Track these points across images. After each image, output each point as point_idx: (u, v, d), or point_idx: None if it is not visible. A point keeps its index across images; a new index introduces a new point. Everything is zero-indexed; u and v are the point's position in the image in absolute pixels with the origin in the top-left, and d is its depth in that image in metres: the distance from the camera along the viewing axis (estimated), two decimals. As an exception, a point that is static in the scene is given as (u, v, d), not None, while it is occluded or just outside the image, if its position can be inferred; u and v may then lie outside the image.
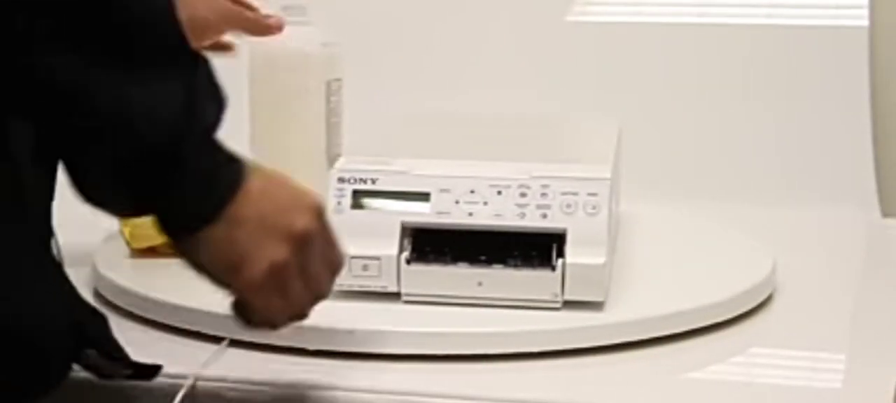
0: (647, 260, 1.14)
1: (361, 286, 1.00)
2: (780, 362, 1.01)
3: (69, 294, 0.88)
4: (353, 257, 0.99)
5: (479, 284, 0.99)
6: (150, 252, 1.16)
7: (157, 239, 1.15)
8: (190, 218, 0.81)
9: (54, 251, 0.88)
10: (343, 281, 0.99)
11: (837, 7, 1.50)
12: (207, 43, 1.13)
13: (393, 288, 1.00)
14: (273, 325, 0.86)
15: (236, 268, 0.82)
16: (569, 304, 0.99)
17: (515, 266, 0.99)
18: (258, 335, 0.95)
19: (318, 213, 0.85)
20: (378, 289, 1.00)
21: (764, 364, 1.02)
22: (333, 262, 0.86)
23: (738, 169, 1.49)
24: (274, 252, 0.82)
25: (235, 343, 0.96)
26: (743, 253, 1.16)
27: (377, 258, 0.99)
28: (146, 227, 1.15)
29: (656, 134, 1.47)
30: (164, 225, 0.82)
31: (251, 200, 0.81)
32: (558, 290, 0.98)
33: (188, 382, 0.91)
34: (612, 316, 0.98)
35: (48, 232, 0.86)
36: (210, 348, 0.96)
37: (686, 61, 1.53)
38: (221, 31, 1.16)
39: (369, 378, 0.92)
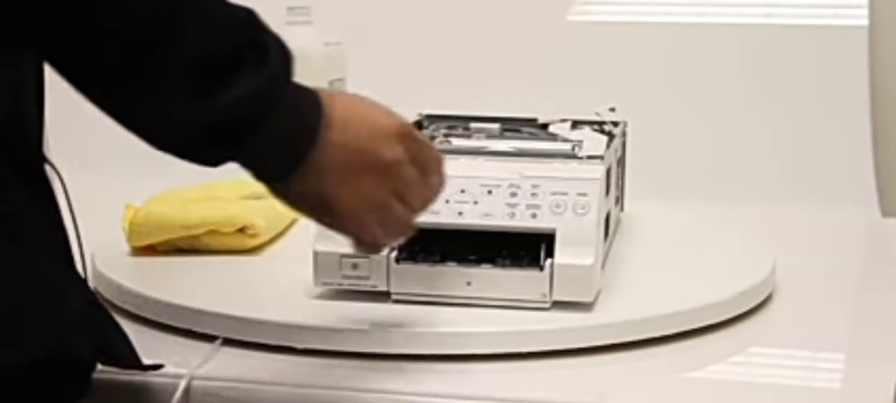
0: (647, 260, 1.14)
1: (351, 285, 1.00)
2: (779, 362, 1.01)
3: (90, 299, 0.88)
4: (343, 256, 0.99)
5: (468, 284, 0.99)
6: (150, 249, 1.16)
7: (156, 236, 1.15)
8: (272, 173, 0.84)
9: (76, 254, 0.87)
10: (332, 279, 1.00)
11: (837, 6, 1.50)
12: None
13: (382, 287, 1.00)
14: (381, 246, 0.91)
15: (328, 210, 0.85)
16: (558, 304, 0.98)
17: (504, 265, 0.99)
18: (251, 333, 0.96)
19: (403, 137, 0.87)
20: (368, 288, 1.00)
21: (763, 363, 1.02)
22: (430, 168, 0.90)
23: (738, 169, 1.49)
24: (364, 189, 0.85)
25: (228, 342, 0.96)
26: (743, 253, 1.16)
27: (367, 257, 0.99)
28: (146, 225, 1.15)
29: (656, 133, 1.47)
30: (254, 175, 0.85)
31: (332, 146, 0.83)
32: (546, 290, 0.98)
33: (183, 382, 0.90)
34: (611, 316, 0.98)
35: (65, 237, 0.85)
36: (203, 346, 0.96)
37: (685, 61, 1.53)
38: None
39: (358, 377, 0.92)
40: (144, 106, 0.77)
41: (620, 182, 1.25)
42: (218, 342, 0.96)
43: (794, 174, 1.48)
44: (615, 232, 1.20)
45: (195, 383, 0.92)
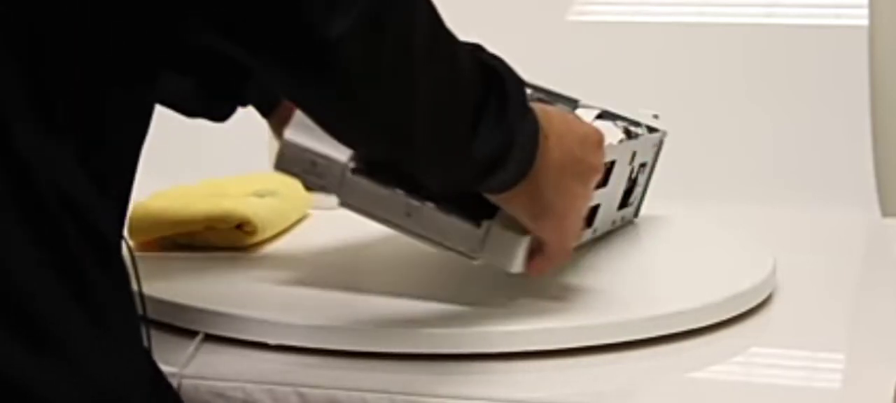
0: (647, 260, 1.14)
1: (305, 181, 1.00)
2: (780, 362, 1.01)
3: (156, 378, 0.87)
4: (306, 150, 0.99)
5: (408, 215, 0.98)
6: (150, 245, 1.16)
7: (155, 232, 1.16)
8: (501, 188, 0.90)
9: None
10: (292, 169, 1.00)
11: (837, 6, 1.50)
12: None
13: (332, 191, 0.99)
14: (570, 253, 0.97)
15: (545, 211, 0.93)
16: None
17: (447, 210, 0.98)
18: (232, 329, 0.96)
19: (601, 144, 0.97)
20: (318, 188, 0.99)
21: (764, 364, 1.02)
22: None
23: (737, 169, 1.49)
24: (573, 192, 0.93)
25: (209, 338, 0.96)
26: (743, 253, 1.16)
27: (326, 158, 0.99)
28: (145, 221, 1.15)
29: (656, 133, 1.48)
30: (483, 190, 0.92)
31: (551, 155, 0.91)
32: (477, 247, 0.97)
33: (174, 381, 0.90)
34: (611, 316, 0.98)
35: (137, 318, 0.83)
36: (181, 342, 0.96)
37: (685, 61, 1.53)
38: None
39: (355, 378, 0.92)
40: (429, 158, 0.86)
41: (637, 188, 1.24)
42: (199, 338, 0.96)
43: (794, 174, 1.48)
44: (612, 231, 1.20)
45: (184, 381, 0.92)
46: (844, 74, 1.49)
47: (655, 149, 1.25)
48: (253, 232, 1.16)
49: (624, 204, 1.23)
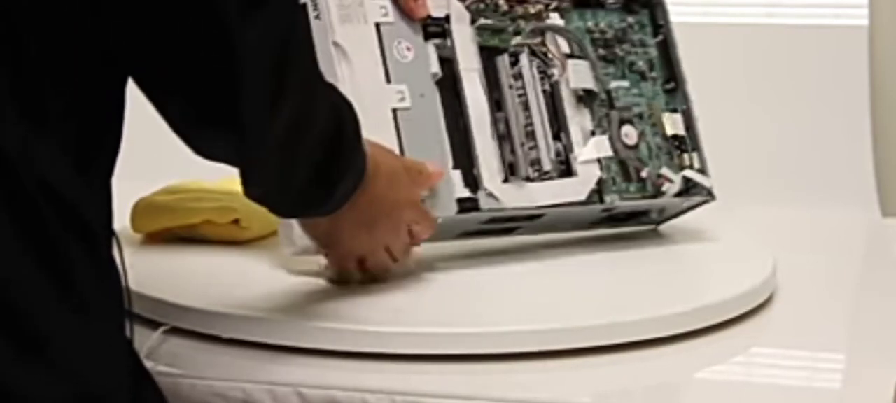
0: (648, 261, 1.13)
1: None
2: (780, 362, 1.01)
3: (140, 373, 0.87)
4: None
5: None
6: (154, 237, 1.16)
7: (156, 224, 1.16)
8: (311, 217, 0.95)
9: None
10: None
11: (837, 6, 1.50)
12: None
13: None
14: (352, 282, 1.01)
15: (330, 246, 0.98)
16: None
17: None
18: (197, 323, 0.96)
19: (415, 208, 0.99)
20: None
21: (764, 364, 1.02)
22: (416, 236, 1.01)
23: (737, 169, 1.48)
24: (366, 238, 0.97)
25: (209, 338, 0.96)
26: (743, 254, 1.16)
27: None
28: (147, 213, 1.16)
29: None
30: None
31: (360, 202, 0.92)
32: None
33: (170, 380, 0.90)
34: (610, 316, 0.98)
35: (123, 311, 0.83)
36: (180, 340, 0.95)
37: (685, 60, 1.53)
38: None
39: (335, 376, 0.91)
40: (273, 177, 0.85)
41: (644, 217, 1.22)
42: (161, 329, 0.96)
43: (794, 174, 1.47)
44: (610, 234, 1.20)
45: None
46: (844, 74, 1.49)
47: (686, 206, 1.22)
48: (247, 228, 1.17)
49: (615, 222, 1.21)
